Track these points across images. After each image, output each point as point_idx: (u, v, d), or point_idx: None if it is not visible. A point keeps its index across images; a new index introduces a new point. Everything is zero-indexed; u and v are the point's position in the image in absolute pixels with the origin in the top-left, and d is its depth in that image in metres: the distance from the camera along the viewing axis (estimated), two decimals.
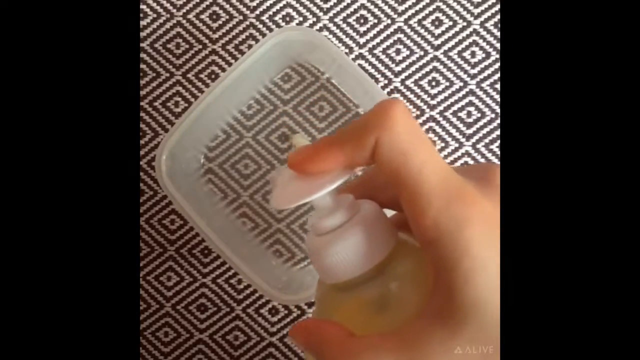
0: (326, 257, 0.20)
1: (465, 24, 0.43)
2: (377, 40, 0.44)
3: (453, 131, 0.43)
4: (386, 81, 0.44)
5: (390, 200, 0.22)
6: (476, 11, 0.43)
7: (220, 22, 0.44)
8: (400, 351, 0.18)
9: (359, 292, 0.20)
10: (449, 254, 0.18)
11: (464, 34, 0.43)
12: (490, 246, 0.18)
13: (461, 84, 0.43)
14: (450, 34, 0.43)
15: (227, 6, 0.44)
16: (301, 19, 0.44)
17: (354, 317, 0.21)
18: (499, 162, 0.43)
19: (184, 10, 0.44)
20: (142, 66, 0.44)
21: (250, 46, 0.44)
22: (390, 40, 0.43)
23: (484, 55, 0.43)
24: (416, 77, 0.43)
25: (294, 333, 0.21)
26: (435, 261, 0.18)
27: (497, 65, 0.43)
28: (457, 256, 0.18)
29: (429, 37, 0.43)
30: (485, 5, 0.43)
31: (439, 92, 0.43)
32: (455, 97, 0.43)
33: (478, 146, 0.43)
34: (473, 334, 0.18)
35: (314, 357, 0.20)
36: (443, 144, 0.43)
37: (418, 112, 0.43)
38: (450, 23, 0.43)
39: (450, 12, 0.43)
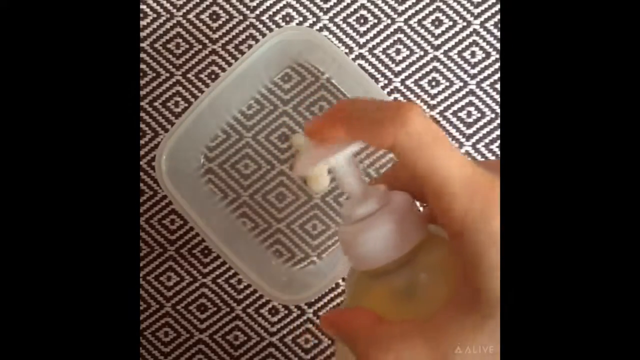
0: (357, 245, 0.21)
1: (465, 24, 0.43)
2: (377, 40, 0.44)
3: (453, 131, 0.43)
4: (386, 81, 0.44)
5: (419, 192, 0.22)
6: (476, 11, 0.43)
7: (220, 22, 0.44)
8: (430, 339, 0.19)
9: (389, 280, 0.21)
10: (476, 246, 0.18)
11: (464, 34, 0.43)
12: None
13: (461, 84, 0.43)
14: (450, 34, 0.43)
15: (227, 6, 0.44)
16: (301, 19, 0.44)
17: (383, 303, 0.21)
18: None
19: (184, 10, 0.44)
20: (142, 66, 0.44)
21: (250, 46, 0.44)
22: (390, 40, 0.43)
23: (484, 55, 0.43)
24: (416, 77, 0.43)
25: (324, 324, 0.21)
26: (463, 253, 0.19)
27: (497, 65, 0.43)
28: (483, 248, 0.18)
29: (429, 37, 0.43)
30: (485, 5, 0.43)
31: (439, 92, 0.43)
32: (455, 97, 0.43)
33: (478, 146, 0.43)
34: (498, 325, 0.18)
35: (345, 345, 0.21)
36: None
37: None
38: (450, 23, 0.43)
39: (450, 12, 0.43)
